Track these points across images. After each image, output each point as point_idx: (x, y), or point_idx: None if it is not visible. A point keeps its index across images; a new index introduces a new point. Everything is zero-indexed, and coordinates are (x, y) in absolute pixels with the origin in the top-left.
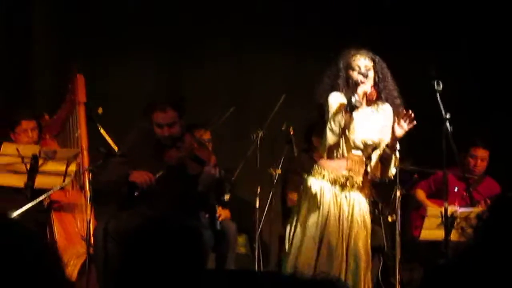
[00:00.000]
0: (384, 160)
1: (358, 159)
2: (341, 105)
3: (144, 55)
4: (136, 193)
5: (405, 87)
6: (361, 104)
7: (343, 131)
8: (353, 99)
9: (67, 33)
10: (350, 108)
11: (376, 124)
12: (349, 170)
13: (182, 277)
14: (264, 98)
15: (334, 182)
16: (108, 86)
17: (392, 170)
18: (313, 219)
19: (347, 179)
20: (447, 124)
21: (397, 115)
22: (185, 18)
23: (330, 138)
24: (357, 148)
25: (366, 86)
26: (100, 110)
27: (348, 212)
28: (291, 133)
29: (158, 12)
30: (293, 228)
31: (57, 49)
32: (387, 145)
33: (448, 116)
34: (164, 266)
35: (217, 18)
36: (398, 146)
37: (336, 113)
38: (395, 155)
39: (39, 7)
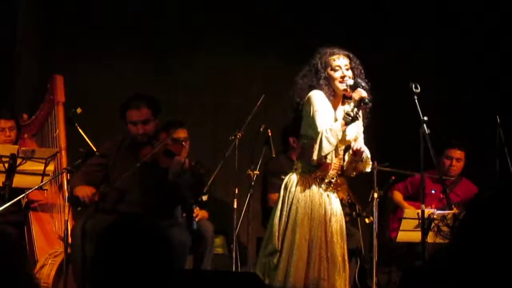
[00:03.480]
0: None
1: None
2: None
3: (125, 55)
4: (79, 208)
5: (383, 89)
6: (360, 117)
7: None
8: (353, 113)
9: (49, 32)
10: (351, 120)
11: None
12: (335, 169)
13: (150, 276)
14: (243, 99)
15: (321, 181)
16: (87, 86)
17: (368, 168)
18: (302, 215)
19: (332, 178)
20: (425, 126)
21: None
22: (169, 20)
23: (327, 148)
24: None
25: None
26: (79, 110)
27: (330, 213)
28: (269, 134)
29: (142, 12)
30: (282, 227)
31: (39, 48)
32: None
33: (425, 118)
34: (132, 266)
35: (201, 19)
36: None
37: (335, 124)
38: (364, 158)
39: (22, 8)
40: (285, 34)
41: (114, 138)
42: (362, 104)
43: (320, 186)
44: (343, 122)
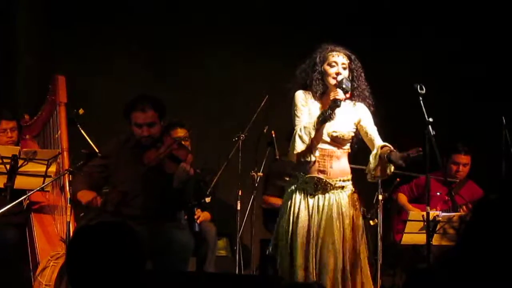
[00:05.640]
0: (381, 159)
1: (327, 153)
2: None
3: (126, 56)
4: (81, 214)
5: (388, 90)
6: (334, 118)
7: (311, 140)
8: (327, 113)
9: (50, 32)
10: (322, 120)
11: (344, 118)
12: (321, 171)
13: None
14: (246, 100)
15: (306, 185)
16: (89, 87)
17: (391, 168)
18: (285, 226)
19: (318, 181)
20: (430, 128)
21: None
22: (173, 20)
23: (299, 146)
24: (323, 141)
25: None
26: (81, 111)
27: (323, 215)
28: (273, 135)
29: (146, 12)
30: (274, 233)
31: (40, 48)
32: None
33: (430, 119)
34: (102, 268)
35: (204, 20)
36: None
37: (309, 122)
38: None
39: (22, 7)
40: (287, 34)
41: (116, 139)
42: (334, 105)
43: (305, 191)
44: (316, 120)
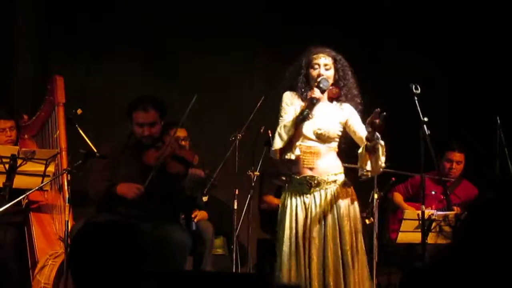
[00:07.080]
0: (371, 152)
1: (313, 150)
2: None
3: (124, 56)
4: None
5: (383, 90)
6: (312, 117)
7: (291, 138)
8: (305, 112)
9: (48, 32)
10: (301, 119)
11: (330, 116)
12: (308, 168)
13: (120, 277)
14: (243, 100)
15: (300, 186)
16: (87, 87)
17: (382, 159)
18: (286, 228)
19: (310, 179)
20: (425, 127)
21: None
22: (173, 20)
23: (277, 143)
24: (309, 139)
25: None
26: (79, 111)
27: (320, 213)
28: (270, 135)
29: (145, 12)
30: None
31: (38, 48)
32: (366, 138)
33: (425, 119)
34: (103, 267)
35: (203, 20)
36: (378, 135)
37: (288, 121)
38: (380, 144)
39: (21, 7)
40: (285, 35)
41: (117, 139)
42: (311, 104)
43: (300, 190)
44: (294, 119)
